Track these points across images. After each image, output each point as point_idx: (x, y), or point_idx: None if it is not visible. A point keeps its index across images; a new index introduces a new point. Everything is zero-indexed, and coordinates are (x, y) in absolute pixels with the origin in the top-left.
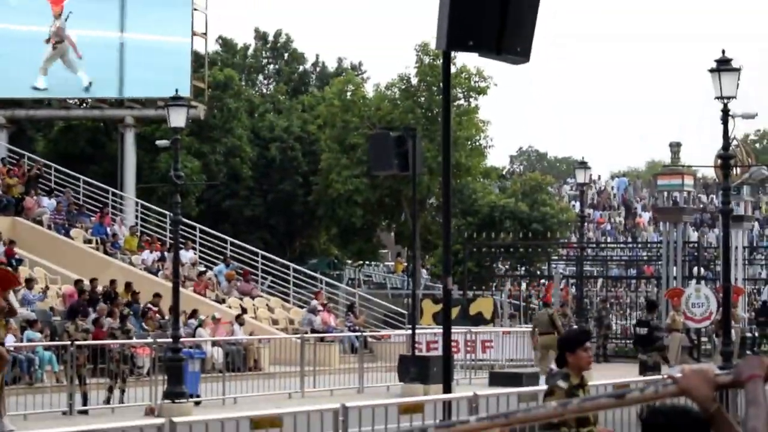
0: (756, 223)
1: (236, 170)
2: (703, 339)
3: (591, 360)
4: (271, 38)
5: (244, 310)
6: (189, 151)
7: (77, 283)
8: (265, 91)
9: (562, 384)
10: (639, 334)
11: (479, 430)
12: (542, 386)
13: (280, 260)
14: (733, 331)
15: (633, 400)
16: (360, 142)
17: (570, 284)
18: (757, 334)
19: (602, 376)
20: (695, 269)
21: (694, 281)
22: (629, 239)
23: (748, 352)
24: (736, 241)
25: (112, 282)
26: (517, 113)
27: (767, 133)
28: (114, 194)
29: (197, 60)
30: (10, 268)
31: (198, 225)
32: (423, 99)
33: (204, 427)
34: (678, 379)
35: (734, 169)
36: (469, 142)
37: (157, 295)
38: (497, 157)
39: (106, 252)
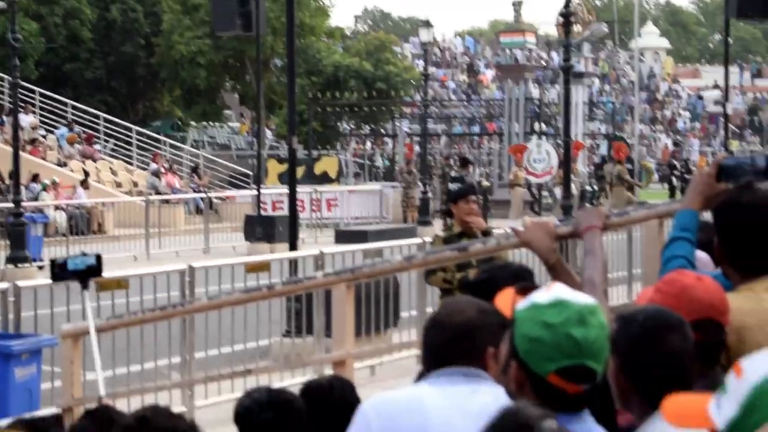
0: (596, 80)
1: (76, 32)
2: (544, 193)
3: (471, 211)
4: None
5: (86, 174)
6: (26, 14)
7: None
8: None
9: (440, 233)
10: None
11: (326, 286)
12: (387, 242)
13: (123, 123)
14: (573, 185)
15: (476, 252)
16: (202, 3)
17: (414, 142)
18: (595, 188)
19: None
20: (536, 125)
21: (535, 137)
22: (472, 97)
23: (587, 205)
24: (576, 97)
25: None
26: None
27: None
28: None
29: None
30: None
31: (37, 89)
32: None
33: (48, 290)
34: (519, 231)
35: (575, 26)
36: (312, 2)
37: None
38: (341, 17)
39: None
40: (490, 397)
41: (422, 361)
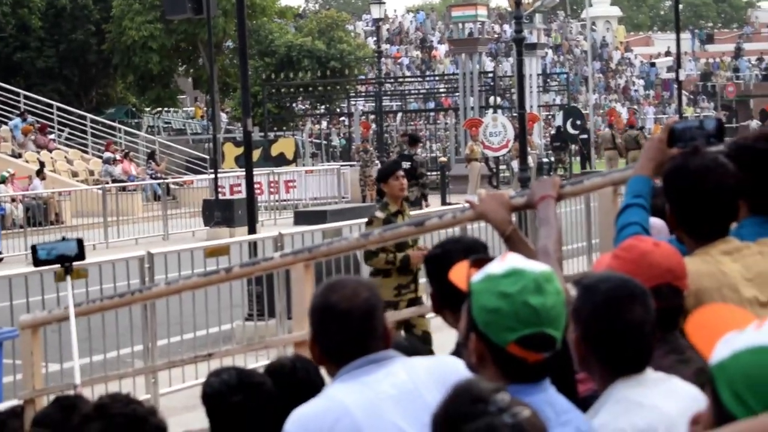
0: (549, 51)
1: (25, 21)
2: (502, 167)
3: (404, 187)
4: None
5: (42, 164)
6: None
7: None
8: None
9: (379, 214)
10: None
11: (283, 266)
12: (347, 222)
13: (77, 111)
14: (529, 157)
15: (432, 226)
16: None
17: (370, 120)
18: (552, 159)
19: None
20: (492, 99)
21: (490, 111)
22: (426, 73)
23: (544, 176)
24: (529, 69)
25: None
26: None
27: None
28: None
29: None
30: None
31: None
32: None
33: (7, 282)
34: (475, 204)
35: None
36: None
37: None
38: None
39: None
40: (404, 375)
41: (321, 353)
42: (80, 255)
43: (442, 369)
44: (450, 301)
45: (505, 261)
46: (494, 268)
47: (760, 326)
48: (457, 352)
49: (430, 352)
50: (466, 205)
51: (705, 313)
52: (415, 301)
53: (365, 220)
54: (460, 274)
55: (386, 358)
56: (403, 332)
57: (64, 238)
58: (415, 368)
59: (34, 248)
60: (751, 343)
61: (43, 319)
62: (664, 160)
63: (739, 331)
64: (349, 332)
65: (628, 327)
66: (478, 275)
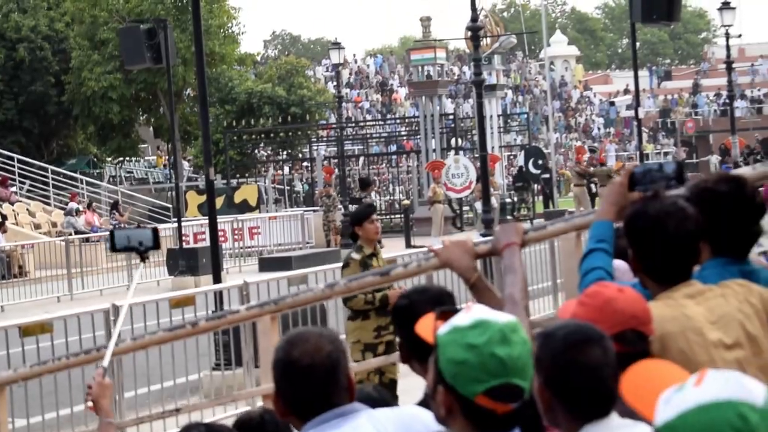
0: (508, 91)
1: None
2: (465, 208)
3: (378, 230)
4: None
5: (4, 217)
6: None
7: None
8: None
9: (355, 256)
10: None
11: (250, 319)
12: (312, 268)
13: (37, 163)
14: (492, 198)
15: (398, 275)
16: (111, 37)
17: (332, 164)
18: (515, 199)
19: None
20: (453, 140)
21: (452, 152)
22: (387, 116)
23: (508, 217)
24: (490, 110)
25: None
26: None
27: (515, 2)
28: None
29: None
30: None
31: None
32: None
33: None
34: (439, 252)
35: (484, 39)
36: (221, 30)
37: None
38: (251, 43)
39: None
40: (370, 428)
41: (285, 408)
42: (156, 243)
43: (408, 421)
44: (417, 352)
45: (471, 312)
46: (460, 319)
47: (699, 382)
48: (425, 402)
49: (395, 399)
50: (430, 253)
51: (637, 373)
52: (395, 342)
53: (330, 266)
54: (426, 326)
55: (351, 411)
56: (377, 379)
57: (138, 226)
58: (381, 421)
59: (112, 233)
60: (696, 401)
61: (8, 378)
62: (626, 204)
63: (677, 387)
64: (312, 387)
65: (587, 370)
66: (444, 327)
